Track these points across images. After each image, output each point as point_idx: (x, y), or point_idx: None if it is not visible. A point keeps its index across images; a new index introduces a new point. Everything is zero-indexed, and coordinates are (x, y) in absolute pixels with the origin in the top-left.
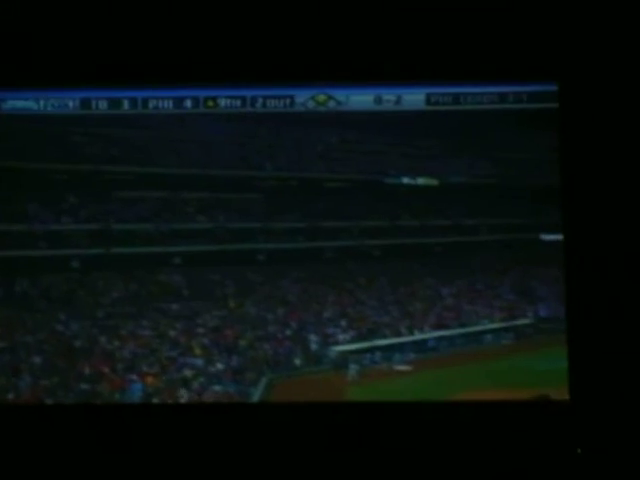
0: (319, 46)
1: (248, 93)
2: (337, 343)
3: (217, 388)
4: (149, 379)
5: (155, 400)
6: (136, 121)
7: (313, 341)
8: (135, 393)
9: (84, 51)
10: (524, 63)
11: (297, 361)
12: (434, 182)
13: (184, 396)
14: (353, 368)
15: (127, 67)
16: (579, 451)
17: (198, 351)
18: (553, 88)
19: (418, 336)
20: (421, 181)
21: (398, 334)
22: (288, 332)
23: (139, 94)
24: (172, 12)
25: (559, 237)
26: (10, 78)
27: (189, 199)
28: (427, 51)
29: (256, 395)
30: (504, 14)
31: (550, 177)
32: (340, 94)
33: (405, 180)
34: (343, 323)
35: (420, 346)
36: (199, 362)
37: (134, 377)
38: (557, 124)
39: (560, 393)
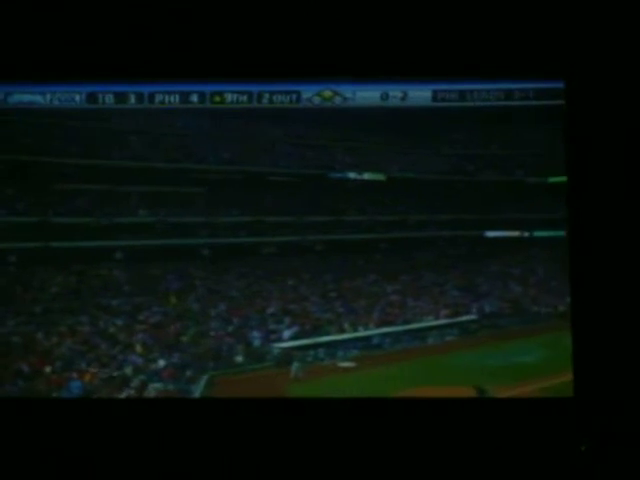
0: (326, 43)
1: (255, 88)
2: (280, 339)
3: (157, 385)
4: (88, 376)
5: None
6: (77, 113)
7: (256, 337)
8: (74, 391)
9: (91, 46)
10: (531, 61)
11: (239, 358)
12: (380, 177)
13: (124, 394)
14: (296, 365)
15: (134, 62)
16: (583, 448)
17: (138, 348)
18: (560, 85)
19: (362, 333)
20: (367, 176)
21: (342, 331)
22: (230, 328)
23: (146, 89)
24: (180, 8)
25: (503, 234)
26: (17, 72)
27: (131, 192)
28: (434, 48)
29: (197, 392)
30: (511, 12)
31: (503, 174)
32: (346, 90)
33: (351, 175)
34: (286, 319)
35: (364, 343)
36: (139, 359)
37: (73, 375)
38: (564, 121)
39: (503, 390)
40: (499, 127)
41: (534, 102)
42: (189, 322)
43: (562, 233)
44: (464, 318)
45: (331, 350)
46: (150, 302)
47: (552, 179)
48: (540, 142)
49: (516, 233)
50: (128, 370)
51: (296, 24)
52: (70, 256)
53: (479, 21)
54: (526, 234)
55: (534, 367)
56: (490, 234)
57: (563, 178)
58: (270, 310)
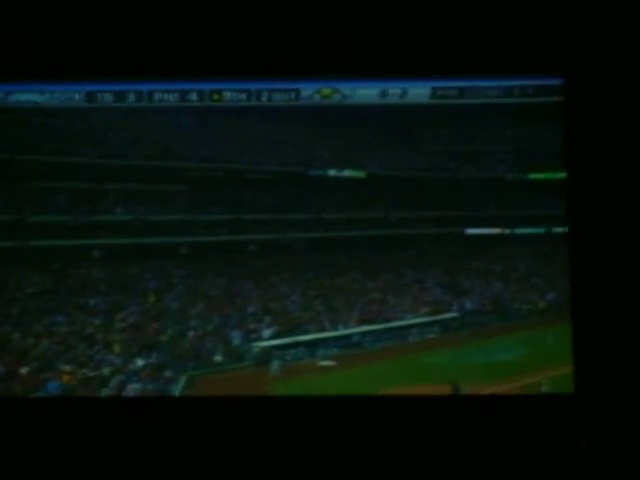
0: (325, 40)
1: (253, 86)
2: (260, 338)
3: (136, 386)
4: (66, 377)
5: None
6: (56, 110)
7: (235, 336)
8: (51, 392)
9: (90, 45)
10: (530, 57)
11: (219, 357)
12: (361, 174)
13: (102, 394)
14: (276, 364)
15: (132, 60)
16: (584, 445)
17: (117, 348)
18: (559, 82)
19: (342, 331)
20: (347, 173)
21: (322, 329)
22: (210, 327)
23: (144, 87)
24: (178, 6)
25: (484, 231)
26: (16, 72)
27: (109, 190)
28: (433, 45)
29: (176, 392)
30: (511, 9)
31: (487, 170)
32: (346, 87)
33: (331, 172)
34: (266, 318)
35: (344, 341)
36: (118, 359)
37: (50, 375)
38: (562, 118)
39: (483, 388)
40: (483, 124)
41: (533, 99)
42: (168, 321)
43: (542, 230)
44: (445, 316)
45: (311, 349)
46: (128, 301)
47: (532, 175)
48: (523, 138)
49: (497, 230)
50: (106, 370)
51: (295, 22)
52: (47, 255)
53: (479, 19)
54: (507, 231)
55: (514, 364)
56: (471, 231)
57: (544, 174)
58: (250, 309)
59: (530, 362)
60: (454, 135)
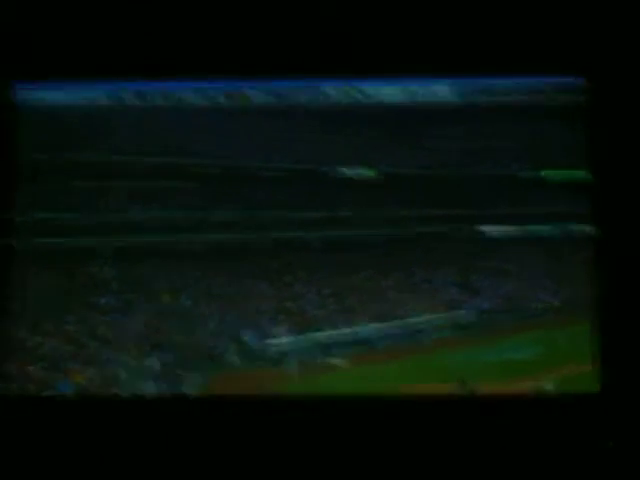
0: (348, 40)
1: (276, 86)
2: (275, 337)
3: (149, 385)
4: (77, 377)
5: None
6: (76, 108)
7: (250, 336)
8: (62, 391)
9: (115, 45)
10: (552, 57)
11: (232, 357)
12: (374, 173)
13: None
14: (290, 363)
15: (154, 60)
16: (611, 444)
17: (129, 347)
18: (580, 81)
19: (357, 330)
20: (361, 172)
21: (337, 328)
22: (223, 327)
23: (166, 86)
24: (203, 7)
25: (498, 229)
26: (41, 71)
27: (121, 188)
28: (456, 44)
29: (189, 392)
30: (533, 8)
31: (501, 168)
32: (368, 87)
33: (344, 171)
34: (281, 317)
35: (359, 340)
36: (130, 359)
37: (61, 375)
38: (584, 117)
39: (494, 387)
40: (499, 121)
41: (553, 97)
42: (181, 321)
43: (557, 229)
44: (460, 315)
45: (325, 348)
46: (141, 300)
47: (547, 174)
48: (540, 137)
49: (511, 229)
50: (119, 370)
51: (318, 22)
52: (57, 253)
53: (502, 19)
54: (520, 230)
55: (526, 364)
56: (485, 229)
57: (560, 173)
58: (264, 308)
59: (543, 361)
60: (470, 133)
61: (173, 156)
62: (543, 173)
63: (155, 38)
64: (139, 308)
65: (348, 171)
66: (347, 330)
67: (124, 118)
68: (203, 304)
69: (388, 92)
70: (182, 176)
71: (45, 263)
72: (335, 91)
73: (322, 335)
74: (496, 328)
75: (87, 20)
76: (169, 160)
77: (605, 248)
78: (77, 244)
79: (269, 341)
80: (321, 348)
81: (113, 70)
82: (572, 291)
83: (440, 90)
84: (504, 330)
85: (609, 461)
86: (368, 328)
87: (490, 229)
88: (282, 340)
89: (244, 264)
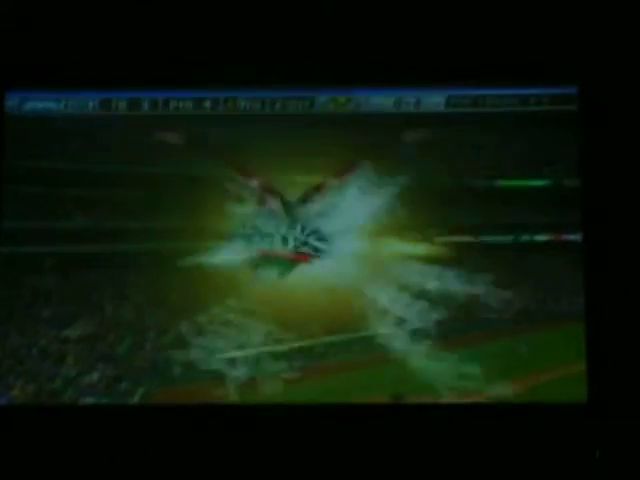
0: (340, 48)
1: (268, 95)
2: (220, 351)
3: (90, 399)
4: (15, 392)
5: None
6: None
7: (195, 348)
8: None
9: (104, 52)
10: (544, 66)
11: (177, 370)
12: None
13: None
14: (236, 376)
15: (147, 68)
16: (597, 454)
17: (70, 360)
18: (573, 91)
19: (307, 342)
20: None
21: (285, 340)
22: (168, 339)
23: (159, 95)
24: (192, 15)
25: (500, 239)
26: (31, 79)
27: (65, 195)
28: (447, 53)
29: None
30: (525, 17)
31: (496, 178)
32: (361, 96)
33: None
34: (227, 330)
35: (309, 353)
36: (72, 372)
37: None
38: (577, 127)
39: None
40: (494, 132)
41: (547, 108)
42: (124, 332)
43: (551, 237)
44: (414, 325)
45: (274, 361)
46: (83, 311)
47: (541, 183)
48: (534, 147)
49: (510, 237)
50: (59, 384)
51: (309, 30)
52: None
53: (492, 27)
54: (515, 238)
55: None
56: (487, 239)
57: (553, 182)
58: (212, 320)
59: (494, 375)
60: (459, 143)
61: (121, 164)
62: (539, 182)
63: (150, 46)
64: (81, 319)
65: None
66: (297, 343)
67: (83, 126)
68: (147, 315)
69: (384, 102)
70: (127, 184)
71: None
72: (333, 101)
73: (270, 348)
74: (455, 337)
75: (81, 28)
76: (116, 168)
77: (593, 256)
78: (18, 253)
79: (216, 354)
80: (270, 361)
81: (106, 79)
82: (569, 298)
83: (439, 101)
84: (464, 340)
85: (596, 472)
86: (320, 340)
87: (494, 238)
88: (229, 353)
89: (189, 274)
